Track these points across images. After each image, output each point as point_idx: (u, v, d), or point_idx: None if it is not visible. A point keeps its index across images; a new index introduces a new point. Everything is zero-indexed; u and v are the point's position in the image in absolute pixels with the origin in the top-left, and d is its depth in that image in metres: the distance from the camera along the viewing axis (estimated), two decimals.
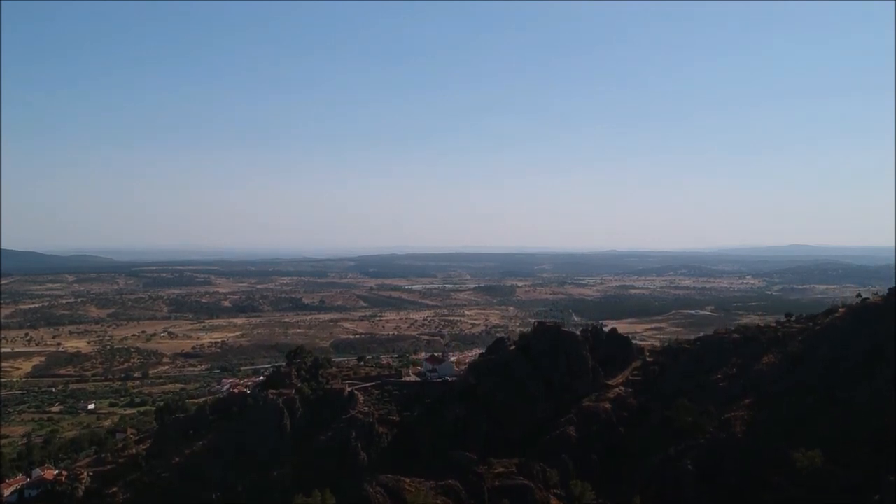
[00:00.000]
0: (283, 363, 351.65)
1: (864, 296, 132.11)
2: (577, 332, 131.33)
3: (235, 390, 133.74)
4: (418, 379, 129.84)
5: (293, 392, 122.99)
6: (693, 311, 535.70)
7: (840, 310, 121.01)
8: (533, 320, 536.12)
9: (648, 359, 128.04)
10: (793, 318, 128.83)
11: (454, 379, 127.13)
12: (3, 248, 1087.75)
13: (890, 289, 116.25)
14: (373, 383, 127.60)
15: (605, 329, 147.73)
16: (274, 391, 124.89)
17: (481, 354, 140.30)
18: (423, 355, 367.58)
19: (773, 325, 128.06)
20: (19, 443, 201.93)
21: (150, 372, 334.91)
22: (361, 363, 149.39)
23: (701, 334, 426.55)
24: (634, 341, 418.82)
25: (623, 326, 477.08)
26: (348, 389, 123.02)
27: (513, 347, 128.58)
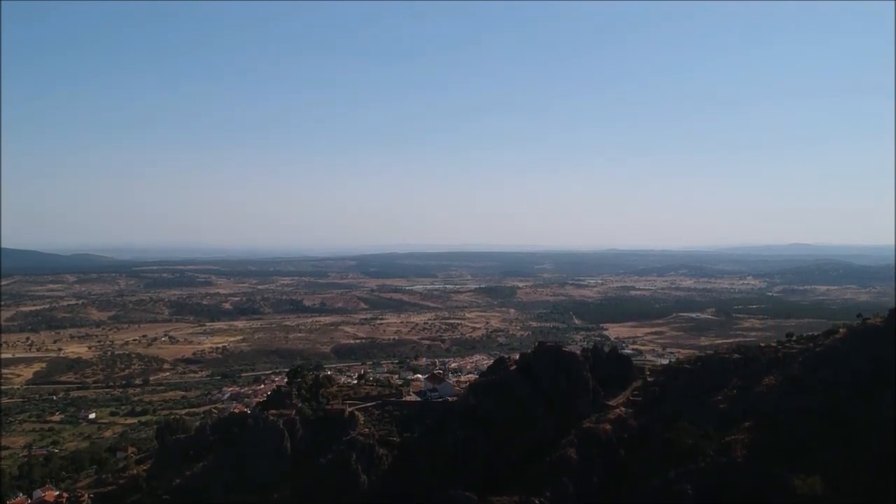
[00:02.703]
0: (285, 368, 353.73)
1: (864, 315, 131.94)
2: (578, 352, 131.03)
3: (236, 410, 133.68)
4: (418, 399, 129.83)
5: (293, 413, 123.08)
6: (694, 315, 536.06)
7: (840, 330, 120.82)
8: (534, 323, 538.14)
9: (649, 378, 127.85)
10: (793, 338, 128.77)
11: (454, 399, 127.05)
12: (3, 247, 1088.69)
13: (890, 310, 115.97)
14: (373, 403, 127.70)
15: (606, 346, 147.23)
16: (274, 411, 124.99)
17: (482, 374, 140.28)
18: (423, 361, 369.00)
19: (774, 344, 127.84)
20: (20, 454, 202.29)
21: (151, 378, 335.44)
22: (362, 381, 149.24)
23: (701, 338, 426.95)
24: (635, 346, 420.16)
25: (624, 330, 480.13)
26: (349, 410, 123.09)
27: (513, 367, 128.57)
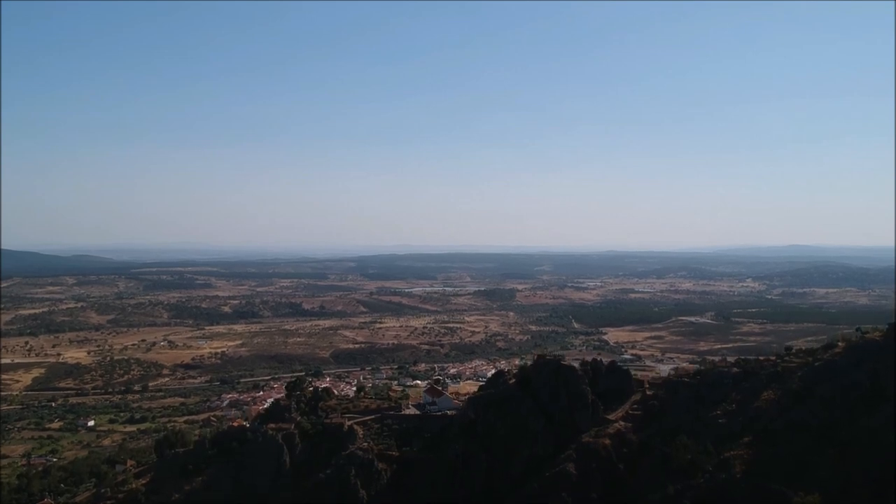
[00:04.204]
0: (284, 374, 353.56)
1: (864, 323, 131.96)
2: (577, 365, 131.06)
3: (235, 423, 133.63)
4: (417, 412, 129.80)
5: (292, 426, 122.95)
6: (693, 319, 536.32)
7: (839, 344, 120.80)
8: (533, 327, 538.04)
9: (648, 392, 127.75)
10: (792, 352, 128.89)
11: (453, 412, 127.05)
12: (3, 248, 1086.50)
13: (890, 324, 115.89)
14: (372, 417, 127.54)
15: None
16: (273, 425, 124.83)
17: (481, 387, 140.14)
18: (422, 366, 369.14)
19: (773, 358, 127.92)
20: (19, 463, 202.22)
21: (150, 385, 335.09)
22: (360, 394, 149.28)
23: (701, 343, 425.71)
24: (634, 351, 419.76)
25: (623, 334, 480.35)
26: (348, 424, 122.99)
27: (512, 381, 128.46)
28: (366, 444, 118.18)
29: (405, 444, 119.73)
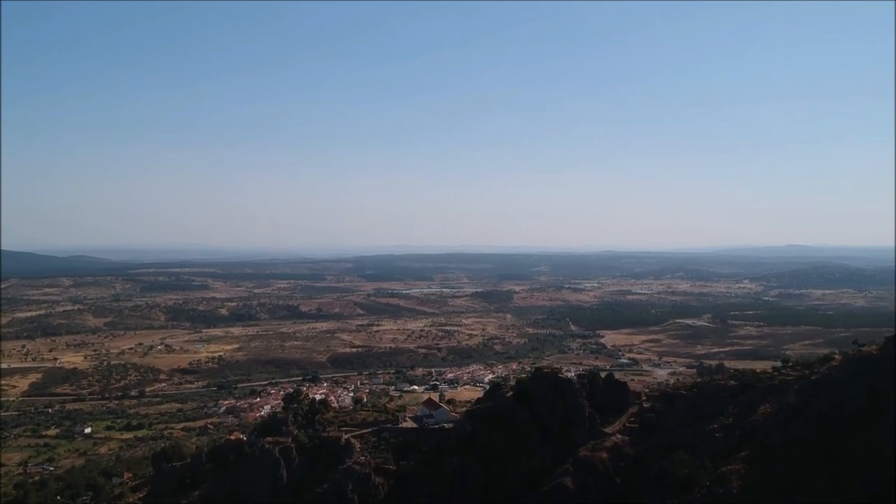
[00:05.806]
0: (281, 379, 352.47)
1: (860, 342, 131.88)
2: (574, 378, 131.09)
3: (232, 436, 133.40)
4: (415, 425, 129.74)
5: (290, 440, 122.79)
6: (690, 322, 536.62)
7: (836, 357, 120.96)
8: (530, 329, 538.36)
9: (645, 404, 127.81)
10: (789, 364, 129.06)
11: (451, 425, 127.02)
12: (1, 249, 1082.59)
13: (887, 338, 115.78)
14: (369, 430, 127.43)
15: (602, 369, 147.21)
16: (270, 439, 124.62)
17: (478, 400, 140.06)
18: (419, 371, 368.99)
19: (770, 371, 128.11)
20: (16, 472, 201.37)
21: (147, 390, 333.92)
22: (358, 406, 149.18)
23: (698, 346, 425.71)
24: (632, 354, 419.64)
25: (620, 337, 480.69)
26: (345, 437, 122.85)
27: (510, 394, 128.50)
28: (363, 457, 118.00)
29: (403, 457, 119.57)
